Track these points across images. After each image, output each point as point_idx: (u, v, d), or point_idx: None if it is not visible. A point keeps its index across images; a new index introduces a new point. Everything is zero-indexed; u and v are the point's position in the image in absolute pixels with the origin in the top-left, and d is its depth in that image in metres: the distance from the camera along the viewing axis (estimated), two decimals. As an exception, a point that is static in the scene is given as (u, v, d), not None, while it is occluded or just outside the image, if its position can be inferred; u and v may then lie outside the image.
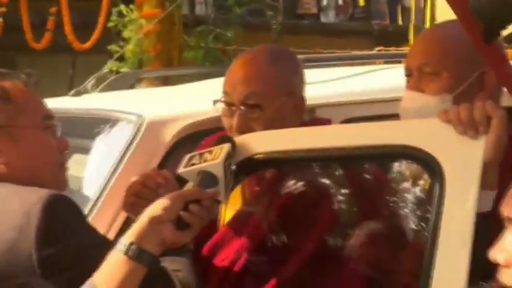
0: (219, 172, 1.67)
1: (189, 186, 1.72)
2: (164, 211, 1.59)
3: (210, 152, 1.71)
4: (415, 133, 1.63)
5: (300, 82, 2.10)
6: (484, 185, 1.53)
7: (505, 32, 1.69)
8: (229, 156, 1.70)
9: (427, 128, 1.63)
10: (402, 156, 1.67)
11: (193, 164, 1.70)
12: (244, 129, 1.99)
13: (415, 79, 1.89)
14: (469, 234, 1.49)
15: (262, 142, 1.81)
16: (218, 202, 1.72)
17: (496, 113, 1.56)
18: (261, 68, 2.04)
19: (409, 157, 1.65)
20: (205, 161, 1.69)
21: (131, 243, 1.56)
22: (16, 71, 2.04)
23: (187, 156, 1.75)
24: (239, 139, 1.82)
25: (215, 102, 2.08)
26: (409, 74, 1.93)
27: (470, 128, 1.56)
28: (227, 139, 1.78)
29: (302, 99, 2.09)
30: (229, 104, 2.04)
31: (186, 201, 1.62)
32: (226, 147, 1.72)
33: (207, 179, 1.67)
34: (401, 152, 1.63)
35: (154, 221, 1.58)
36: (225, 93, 2.05)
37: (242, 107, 2.01)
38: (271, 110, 2.00)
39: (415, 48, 1.97)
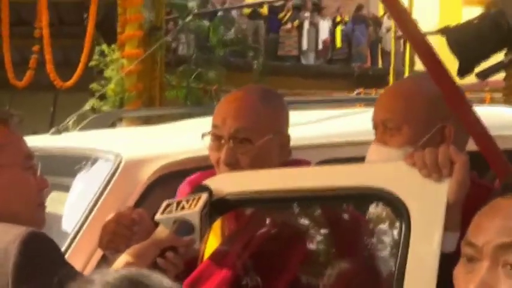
0: (195, 221, 1.71)
1: (161, 228, 1.75)
2: (138, 258, 1.62)
3: (187, 201, 1.75)
4: (381, 175, 1.68)
5: (286, 122, 2.16)
6: (447, 226, 1.58)
7: (477, 69, 1.75)
8: (206, 206, 1.74)
9: (393, 171, 1.69)
10: (369, 197, 1.73)
11: (170, 212, 1.74)
12: (232, 161, 2.03)
13: (380, 133, 1.97)
14: (434, 273, 1.54)
15: (236, 182, 1.86)
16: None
17: (459, 158, 1.62)
18: (252, 104, 2.09)
19: (376, 198, 1.71)
20: (182, 209, 1.73)
21: None
22: (-2, 110, 2.07)
23: (165, 203, 1.78)
24: (213, 179, 1.87)
25: (204, 135, 2.12)
26: (375, 127, 2.00)
27: (434, 171, 1.62)
28: (204, 188, 1.81)
29: (288, 138, 2.14)
30: (218, 138, 2.08)
31: (161, 248, 1.65)
32: (203, 196, 1.75)
33: (183, 227, 1.71)
34: (368, 193, 1.68)
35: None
36: (215, 126, 2.09)
37: (231, 141, 2.05)
38: (260, 145, 2.04)
39: (379, 103, 2.03)
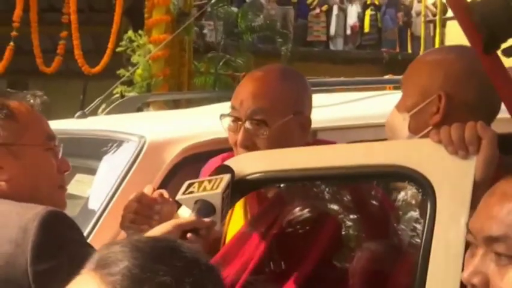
0: (217, 202, 1.68)
1: (183, 209, 1.73)
2: None
3: (210, 181, 1.72)
4: (406, 153, 1.64)
5: (308, 103, 2.12)
6: (474, 205, 1.54)
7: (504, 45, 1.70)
8: (228, 187, 1.71)
9: (418, 148, 1.65)
10: (394, 175, 1.68)
11: (191, 192, 1.72)
12: (248, 144, 2.01)
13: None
14: (460, 254, 1.49)
15: (259, 162, 1.83)
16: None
17: (487, 134, 1.57)
18: (270, 84, 2.06)
19: (401, 176, 1.66)
20: (204, 189, 1.70)
21: None
22: (22, 92, 2.06)
23: (186, 183, 1.76)
24: (235, 159, 1.84)
25: (222, 116, 2.10)
26: None
27: (461, 148, 1.57)
28: (227, 169, 1.79)
29: (308, 119, 2.10)
30: (235, 119, 2.05)
31: (183, 230, 1.63)
32: (226, 178, 1.72)
33: (204, 208, 1.68)
34: (393, 171, 1.64)
35: None
36: (233, 107, 2.07)
37: (248, 122, 2.02)
38: (277, 127, 2.01)
39: None
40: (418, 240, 1.65)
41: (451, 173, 1.57)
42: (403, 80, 1.95)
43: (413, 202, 1.81)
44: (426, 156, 1.61)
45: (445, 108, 1.81)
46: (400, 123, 1.86)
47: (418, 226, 1.76)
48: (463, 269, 1.44)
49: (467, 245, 1.28)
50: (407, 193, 1.82)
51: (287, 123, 2.02)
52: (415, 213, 1.77)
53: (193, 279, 0.99)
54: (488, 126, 1.62)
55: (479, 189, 1.56)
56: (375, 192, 1.93)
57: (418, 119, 1.84)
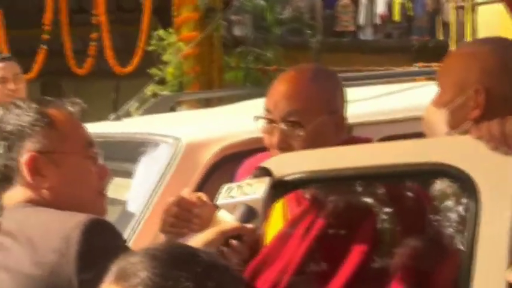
0: (258, 207, 1.67)
1: (223, 213, 1.72)
2: (204, 247, 1.58)
3: (250, 185, 1.71)
4: (447, 150, 1.62)
5: (341, 101, 2.11)
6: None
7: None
8: (268, 191, 1.70)
9: (460, 145, 1.63)
10: (435, 173, 1.66)
11: (232, 197, 1.70)
12: (284, 146, 2.00)
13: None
14: (506, 252, 1.48)
15: (297, 162, 1.82)
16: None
17: (528, 129, 1.55)
18: (303, 85, 2.05)
19: (442, 174, 1.64)
20: (244, 194, 1.69)
21: None
22: (61, 99, 2.07)
23: (225, 187, 1.75)
24: (273, 159, 1.83)
25: (256, 118, 2.10)
26: None
27: (503, 143, 1.55)
28: (266, 171, 1.78)
29: (343, 118, 2.09)
30: (270, 121, 2.05)
31: (226, 237, 1.62)
32: (266, 181, 1.71)
33: (246, 213, 1.67)
34: (434, 169, 1.63)
35: None
36: (267, 110, 2.07)
37: (283, 124, 2.02)
38: (312, 128, 2.00)
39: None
40: (461, 239, 1.63)
41: (493, 169, 1.54)
42: (438, 75, 1.93)
43: (455, 199, 1.79)
44: (467, 152, 1.59)
45: (484, 102, 1.79)
46: (438, 119, 1.85)
47: (461, 224, 1.74)
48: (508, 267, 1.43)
49: None
50: (448, 191, 1.80)
51: (322, 123, 2.02)
52: (458, 211, 1.74)
53: (216, 283, 0.99)
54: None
55: (523, 186, 1.55)
56: (415, 190, 1.91)
57: (456, 114, 1.82)
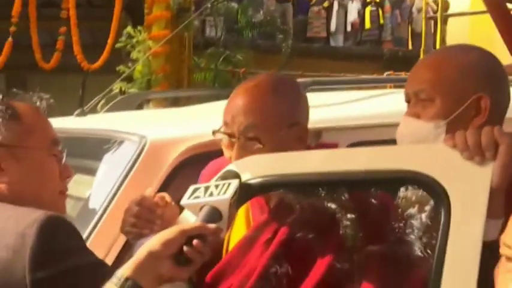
0: (224, 208, 1.63)
1: (187, 214, 1.67)
2: (164, 246, 1.54)
3: (216, 186, 1.67)
4: (420, 158, 1.59)
5: (303, 111, 2.02)
6: (489, 213, 1.49)
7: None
8: (235, 193, 1.66)
9: (433, 153, 1.59)
10: (406, 181, 1.62)
11: (197, 197, 1.66)
12: None
13: (412, 105, 1.90)
14: (475, 263, 1.45)
15: (263, 165, 1.77)
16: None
17: (504, 139, 1.52)
18: (262, 98, 1.95)
19: (414, 182, 1.60)
20: (210, 195, 1.65)
21: (126, 279, 1.51)
22: (29, 93, 2.01)
23: (192, 187, 1.70)
24: (239, 162, 1.78)
25: (214, 132, 2.02)
26: (407, 100, 1.93)
27: (477, 153, 1.52)
28: (233, 173, 1.73)
29: (305, 129, 2.01)
30: (228, 135, 1.97)
31: (188, 236, 1.57)
32: (234, 183, 1.67)
33: (211, 214, 1.62)
34: (405, 177, 1.59)
35: (153, 256, 1.53)
36: (225, 123, 1.98)
37: (241, 139, 1.94)
38: (272, 143, 1.92)
39: (412, 74, 1.95)
40: (431, 248, 1.60)
41: (466, 179, 1.52)
42: (423, 88, 1.87)
43: (425, 208, 1.76)
44: (440, 161, 1.55)
45: (488, 108, 1.78)
46: (432, 133, 1.81)
47: (429, 232, 1.71)
48: (477, 278, 1.40)
49: (495, 260, 1.22)
50: (417, 198, 1.77)
51: (282, 137, 1.94)
52: (427, 220, 1.71)
53: None
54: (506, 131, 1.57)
55: (495, 196, 1.52)
56: (380, 197, 1.88)
57: (457, 125, 1.77)
